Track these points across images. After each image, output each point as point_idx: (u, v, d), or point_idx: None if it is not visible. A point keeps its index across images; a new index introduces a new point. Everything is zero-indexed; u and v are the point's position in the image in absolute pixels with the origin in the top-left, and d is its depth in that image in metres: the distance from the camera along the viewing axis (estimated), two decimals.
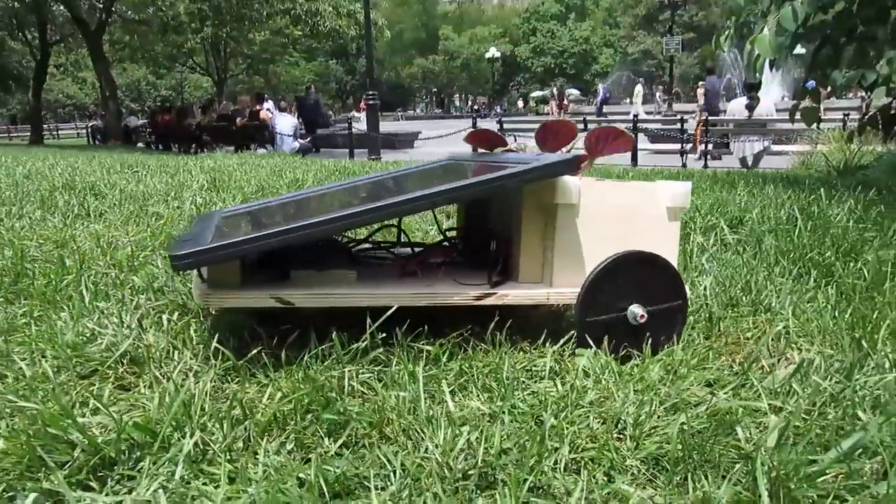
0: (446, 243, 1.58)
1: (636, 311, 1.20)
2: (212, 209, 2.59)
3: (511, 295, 1.23)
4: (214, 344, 1.11)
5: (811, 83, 4.18)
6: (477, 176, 1.24)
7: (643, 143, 11.03)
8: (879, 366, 1.12)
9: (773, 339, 1.28)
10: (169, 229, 2.07)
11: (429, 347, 1.16)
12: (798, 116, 4.25)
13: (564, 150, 1.50)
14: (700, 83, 13.63)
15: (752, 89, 9.82)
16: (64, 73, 23.33)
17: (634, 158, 9.49)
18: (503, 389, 1.05)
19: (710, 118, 10.50)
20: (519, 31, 48.42)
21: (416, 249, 1.54)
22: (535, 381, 1.11)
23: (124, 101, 32.46)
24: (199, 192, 2.97)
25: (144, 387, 1.03)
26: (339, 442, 0.86)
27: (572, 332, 1.23)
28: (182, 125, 13.85)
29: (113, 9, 14.72)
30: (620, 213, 1.26)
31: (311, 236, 1.11)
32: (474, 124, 10.71)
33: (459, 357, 1.17)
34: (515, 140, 1.60)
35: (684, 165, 9.40)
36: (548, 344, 1.23)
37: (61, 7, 14.61)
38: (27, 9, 14.64)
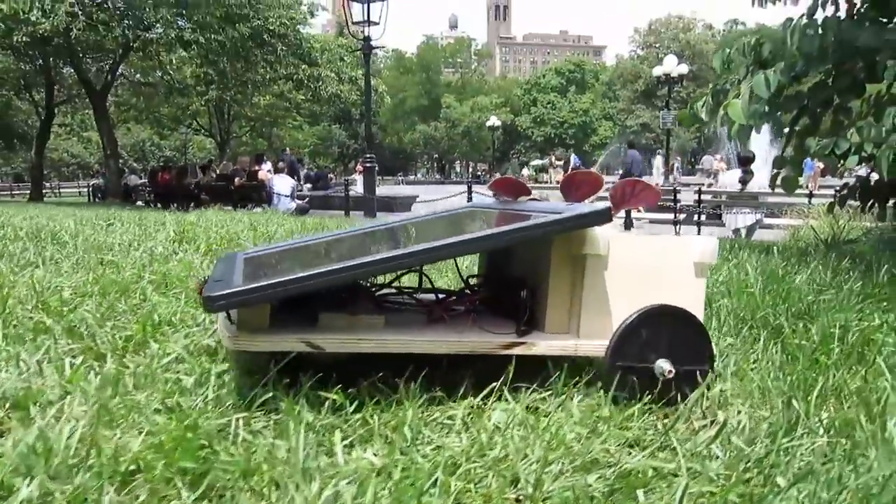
0: (469, 290, 1.51)
1: (664, 366, 1.19)
2: (173, 258, 2.56)
3: (539, 345, 1.22)
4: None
5: (789, 152, 4.20)
6: (502, 224, 1.25)
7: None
8: (812, 430, 1.04)
9: (707, 400, 1.21)
10: (114, 277, 2.02)
11: (334, 396, 1.09)
12: (779, 183, 4.26)
13: (589, 201, 1.48)
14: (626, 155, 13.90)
15: (746, 163, 9.94)
16: (69, 133, 23.79)
17: (628, 228, 9.54)
18: (404, 442, 0.98)
19: (702, 189, 10.61)
20: (520, 101, 49.70)
21: (440, 296, 1.48)
22: (443, 434, 1.04)
23: (128, 160, 33.04)
24: (164, 242, 2.94)
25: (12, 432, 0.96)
26: (198, 492, 0.79)
27: (493, 384, 1.17)
28: (181, 184, 14.00)
29: (119, 71, 15.15)
30: (649, 266, 1.25)
31: (346, 279, 1.12)
32: (469, 189, 10.85)
33: (369, 406, 1.11)
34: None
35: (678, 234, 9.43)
36: (470, 395, 1.17)
37: (70, 68, 15.03)
38: (36, 71, 15.06)
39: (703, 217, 10.22)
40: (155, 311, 1.68)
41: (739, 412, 1.14)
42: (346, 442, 1.00)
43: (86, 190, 20.44)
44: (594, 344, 1.23)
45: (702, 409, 1.17)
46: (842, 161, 3.36)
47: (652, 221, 11.13)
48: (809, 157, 3.86)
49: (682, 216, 10.57)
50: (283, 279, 1.07)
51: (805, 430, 1.03)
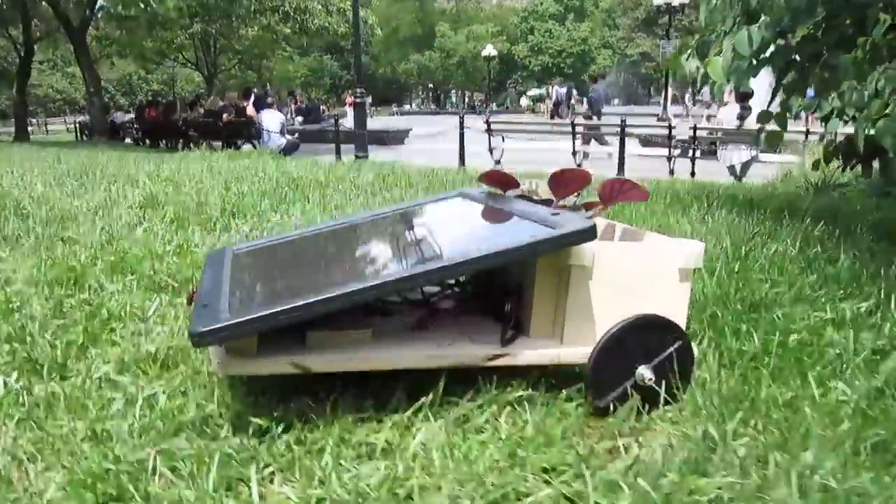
0: (455, 289, 1.51)
1: (645, 373, 1.22)
2: (137, 229, 2.54)
3: (522, 355, 1.24)
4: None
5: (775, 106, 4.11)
6: (493, 224, 1.34)
7: (633, 146, 10.97)
8: (727, 463, 1.05)
9: (641, 414, 1.22)
10: (69, 262, 2.01)
11: (259, 421, 1.10)
12: (762, 138, 4.19)
13: (576, 197, 1.51)
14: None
15: (745, 99, 9.72)
16: (53, 69, 23.16)
17: (622, 165, 9.43)
18: (325, 474, 0.99)
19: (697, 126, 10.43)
20: (517, 29, 48.25)
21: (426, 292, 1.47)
22: (363, 461, 1.05)
23: (115, 95, 32.28)
24: (131, 208, 2.91)
25: None
26: None
27: (424, 399, 1.18)
28: (169, 121, 13.77)
29: (98, 3, 14.61)
30: (633, 274, 1.27)
31: (331, 308, 1.11)
32: (462, 120, 10.61)
33: (297, 428, 1.12)
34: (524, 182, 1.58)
35: (671, 172, 9.34)
36: (400, 410, 1.18)
37: (45, 3, 14.49)
38: (11, 5, 14.49)
39: (697, 153, 10.09)
40: (104, 305, 1.68)
41: (664, 433, 1.15)
42: (268, 470, 1.02)
43: (73, 125, 20.09)
44: (577, 352, 1.25)
45: (629, 426, 1.18)
46: (824, 123, 3.29)
47: (646, 156, 11.00)
48: (792, 116, 3.78)
49: (676, 152, 10.44)
50: (266, 313, 1.08)
51: (720, 462, 1.04)
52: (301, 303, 1.09)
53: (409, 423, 1.17)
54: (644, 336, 1.23)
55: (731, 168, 9.04)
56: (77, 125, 18.40)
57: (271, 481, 1.00)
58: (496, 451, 1.07)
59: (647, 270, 1.27)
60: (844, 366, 1.40)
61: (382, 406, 1.21)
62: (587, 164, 9.89)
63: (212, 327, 1.06)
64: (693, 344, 1.35)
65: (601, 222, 1.60)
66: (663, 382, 1.23)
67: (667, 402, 1.23)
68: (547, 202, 1.46)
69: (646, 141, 11.97)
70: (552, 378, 1.30)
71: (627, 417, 1.19)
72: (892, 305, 1.72)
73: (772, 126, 4.12)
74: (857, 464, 1.05)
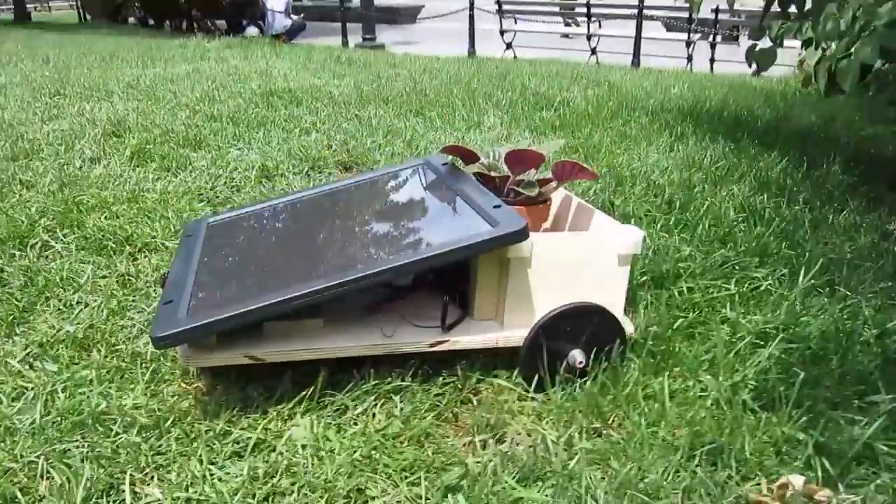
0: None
1: (576, 356, 1.34)
2: (96, 167, 2.59)
3: (463, 341, 1.37)
4: None
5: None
6: (441, 214, 1.44)
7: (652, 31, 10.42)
8: (560, 469, 1.15)
9: (503, 410, 1.32)
10: (17, 215, 2.09)
11: (144, 420, 1.22)
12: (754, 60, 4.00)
13: (532, 173, 1.60)
14: None
15: None
16: None
17: (637, 54, 9.02)
18: (195, 474, 1.12)
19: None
20: None
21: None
22: (234, 461, 1.17)
23: None
24: (95, 138, 2.94)
25: None
26: None
27: (296, 395, 1.29)
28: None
29: None
30: (573, 262, 1.37)
31: (283, 309, 1.24)
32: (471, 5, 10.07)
33: (183, 422, 1.24)
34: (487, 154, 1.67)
35: (690, 59, 8.95)
36: (270, 408, 1.29)
37: None
38: None
39: (718, 38, 9.60)
40: (41, 271, 1.77)
41: (519, 433, 1.25)
42: (145, 472, 1.14)
43: (76, 4, 19.42)
44: (516, 335, 1.36)
45: (490, 421, 1.28)
46: (803, 48, 3.13)
47: (666, 40, 10.49)
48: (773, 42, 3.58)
49: (696, 37, 9.94)
50: (220, 317, 1.22)
51: (558, 465, 1.15)
52: (253, 307, 1.23)
53: (289, 414, 1.28)
54: (576, 322, 1.34)
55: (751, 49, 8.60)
56: (78, 4, 17.80)
57: (151, 480, 1.13)
58: (359, 447, 1.18)
59: (586, 258, 1.37)
60: (726, 350, 1.47)
61: (270, 395, 1.32)
62: (602, 47, 9.48)
63: (170, 332, 1.20)
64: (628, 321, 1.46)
65: (559, 194, 1.70)
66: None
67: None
68: (505, 178, 1.57)
69: (669, 26, 11.37)
70: (428, 366, 1.40)
71: (490, 410, 1.29)
72: (801, 278, 1.76)
73: (763, 43, 3.94)
74: (689, 468, 1.15)
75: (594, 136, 3.28)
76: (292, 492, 1.09)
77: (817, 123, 3.92)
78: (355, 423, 1.27)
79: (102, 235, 1.97)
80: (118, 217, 2.12)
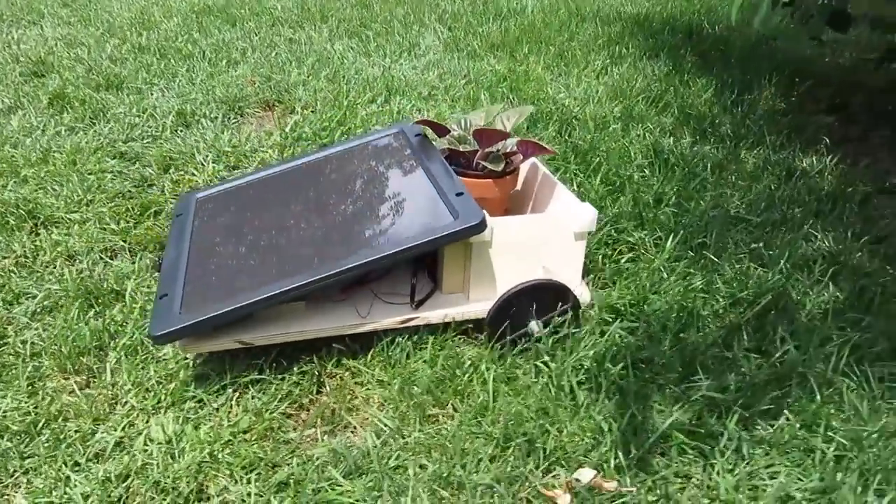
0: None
1: (534, 326, 1.51)
2: (16, 117, 2.59)
3: (432, 316, 1.53)
4: None
5: None
6: (407, 199, 1.54)
7: None
8: (378, 467, 1.28)
9: (356, 401, 1.43)
10: None
11: (17, 426, 1.34)
12: None
13: (500, 146, 1.70)
14: None
15: None
16: None
17: None
18: (56, 480, 1.25)
19: None
20: None
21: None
22: (94, 462, 1.30)
23: None
24: (15, 82, 2.90)
25: None
26: None
27: (161, 389, 1.41)
28: None
29: None
30: (532, 242, 1.52)
31: (274, 303, 1.38)
32: None
33: (55, 423, 1.36)
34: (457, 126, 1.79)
35: None
36: (129, 402, 1.40)
37: None
38: None
39: None
40: None
41: (357, 426, 1.37)
42: (15, 477, 1.27)
43: None
44: (480, 308, 1.52)
45: (333, 412, 1.39)
46: None
47: None
48: None
49: None
50: (217, 313, 1.36)
51: (377, 463, 1.27)
52: (245, 302, 1.37)
53: (154, 409, 1.40)
54: (534, 296, 1.49)
55: None
56: None
57: (18, 488, 1.26)
58: (212, 442, 1.30)
59: (543, 238, 1.52)
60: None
61: (139, 390, 1.44)
62: None
63: (168, 330, 1.35)
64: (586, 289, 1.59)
65: (526, 165, 1.83)
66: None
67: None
68: (473, 152, 1.68)
69: None
70: (283, 359, 1.50)
71: (339, 400, 1.41)
72: (668, 243, 1.81)
73: None
74: (503, 458, 1.28)
75: (530, 58, 3.20)
76: (142, 494, 1.23)
77: (764, 38, 3.78)
78: (210, 418, 1.39)
79: (5, 209, 2.02)
80: (26, 182, 2.16)
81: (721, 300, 1.65)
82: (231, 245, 1.58)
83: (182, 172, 2.28)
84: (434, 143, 1.73)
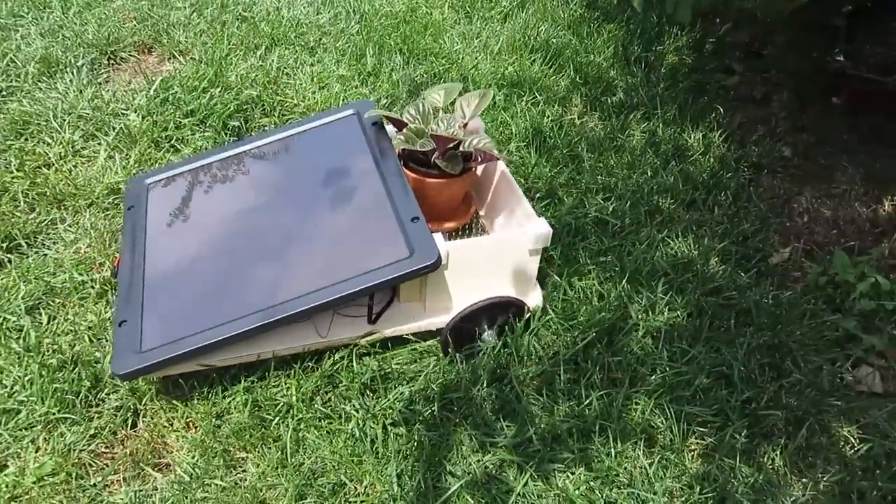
0: None
1: (487, 338, 1.59)
2: None
3: (390, 330, 1.56)
4: None
5: None
6: (357, 220, 1.53)
7: None
8: (232, 483, 1.31)
9: (167, 439, 1.44)
10: None
11: None
12: None
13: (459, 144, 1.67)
14: None
15: None
16: None
17: None
18: None
19: None
20: None
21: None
22: None
23: None
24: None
25: None
26: None
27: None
28: None
29: None
30: (487, 260, 1.55)
31: (231, 342, 1.38)
32: None
33: None
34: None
35: None
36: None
37: None
38: None
39: None
40: None
41: (162, 468, 1.39)
42: None
43: None
44: (438, 321, 1.57)
45: (140, 455, 1.40)
46: None
47: None
48: None
49: None
50: (177, 353, 1.36)
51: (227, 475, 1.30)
52: (212, 340, 1.37)
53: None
54: (488, 311, 1.56)
55: None
56: None
57: None
58: (11, 492, 1.32)
59: (501, 255, 1.55)
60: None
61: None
62: None
63: (133, 369, 1.35)
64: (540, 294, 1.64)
65: (482, 170, 1.85)
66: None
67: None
68: (431, 152, 1.65)
69: None
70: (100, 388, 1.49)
71: (153, 439, 1.42)
72: None
73: None
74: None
75: (433, 9, 2.95)
76: None
77: None
78: (9, 463, 1.37)
79: None
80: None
81: (551, 328, 1.65)
82: (188, 256, 1.54)
83: (36, 141, 2.14)
84: (393, 142, 1.68)
